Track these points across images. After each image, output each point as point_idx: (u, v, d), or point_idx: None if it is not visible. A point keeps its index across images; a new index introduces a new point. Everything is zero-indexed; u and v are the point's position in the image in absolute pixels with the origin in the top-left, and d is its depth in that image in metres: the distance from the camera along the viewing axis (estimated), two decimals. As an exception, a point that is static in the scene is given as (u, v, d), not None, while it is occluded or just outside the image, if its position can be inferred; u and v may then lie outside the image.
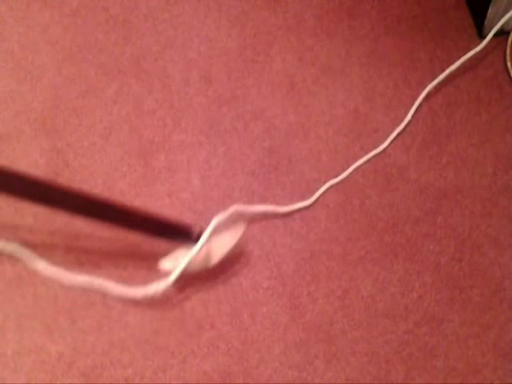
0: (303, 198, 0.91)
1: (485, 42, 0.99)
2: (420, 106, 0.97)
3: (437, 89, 0.99)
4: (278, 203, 0.91)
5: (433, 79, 0.98)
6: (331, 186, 0.92)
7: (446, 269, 0.87)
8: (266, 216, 0.90)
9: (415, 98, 0.97)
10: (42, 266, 0.85)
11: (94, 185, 0.92)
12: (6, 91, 0.98)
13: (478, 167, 0.94)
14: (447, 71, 0.98)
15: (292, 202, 0.91)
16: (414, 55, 1.01)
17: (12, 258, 0.87)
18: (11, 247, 0.86)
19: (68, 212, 0.74)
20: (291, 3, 1.06)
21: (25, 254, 0.86)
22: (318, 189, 0.91)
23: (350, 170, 0.93)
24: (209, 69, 1.00)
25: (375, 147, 0.94)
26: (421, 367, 0.82)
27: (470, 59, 0.99)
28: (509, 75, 0.99)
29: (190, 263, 0.80)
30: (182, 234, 0.82)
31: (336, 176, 0.92)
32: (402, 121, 0.96)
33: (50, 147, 0.94)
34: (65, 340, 0.83)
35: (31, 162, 0.93)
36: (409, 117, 0.96)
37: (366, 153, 0.94)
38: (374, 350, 0.83)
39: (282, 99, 0.98)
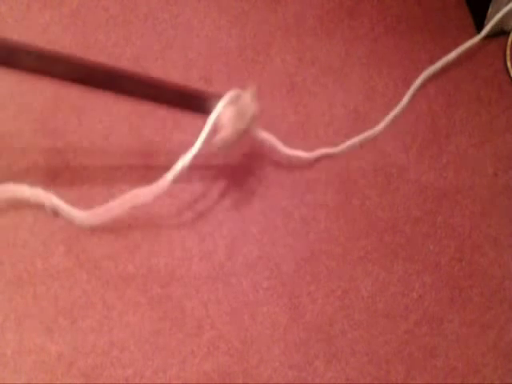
0: (303, 197, 0.91)
1: (482, 33, 0.99)
2: (419, 103, 0.97)
3: (437, 89, 0.99)
4: (278, 203, 0.91)
5: (432, 79, 0.98)
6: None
7: (446, 269, 0.87)
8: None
9: (414, 96, 0.98)
10: (82, 217, 0.85)
11: (94, 185, 0.92)
12: (6, 91, 0.98)
13: (478, 167, 0.94)
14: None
15: (292, 201, 0.91)
16: (414, 55, 1.01)
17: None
18: (50, 198, 0.86)
19: (86, 84, 0.73)
20: (291, 3, 1.06)
21: (64, 207, 0.85)
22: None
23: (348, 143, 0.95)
24: (209, 69, 1.00)
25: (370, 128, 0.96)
26: (421, 367, 0.82)
27: (469, 59, 0.99)
28: (509, 75, 0.99)
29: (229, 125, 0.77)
30: (201, 103, 0.79)
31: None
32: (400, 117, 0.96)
33: (50, 147, 0.94)
34: (65, 340, 0.83)
35: (31, 162, 0.93)
36: (405, 100, 0.97)
37: (366, 153, 0.94)
38: (373, 349, 0.83)
39: (281, 99, 0.98)
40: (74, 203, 0.90)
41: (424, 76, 0.98)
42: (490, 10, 0.98)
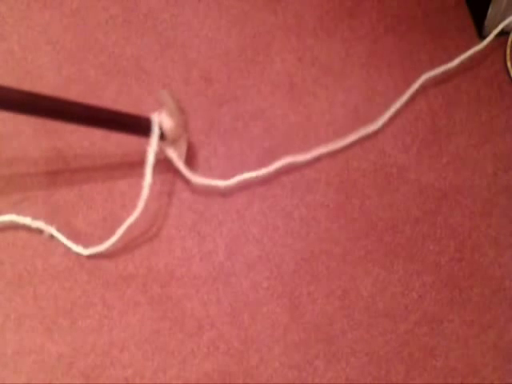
0: (303, 197, 0.91)
1: (485, 42, 0.99)
2: (419, 103, 0.97)
3: (437, 89, 0.99)
4: (278, 203, 0.91)
5: (432, 79, 0.98)
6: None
7: (446, 269, 0.87)
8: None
9: (414, 96, 0.97)
10: (80, 250, 0.87)
11: (94, 185, 0.92)
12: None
13: (478, 167, 0.94)
14: (447, 70, 0.98)
15: (292, 201, 0.91)
16: (414, 55, 1.01)
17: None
18: (50, 230, 0.88)
19: (28, 113, 0.77)
20: (291, 3, 1.06)
21: (63, 239, 0.87)
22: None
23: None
24: (209, 69, 1.00)
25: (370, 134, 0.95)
26: (421, 367, 0.82)
27: (469, 59, 0.99)
28: (509, 75, 0.99)
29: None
30: (141, 126, 0.85)
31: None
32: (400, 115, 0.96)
33: (50, 147, 0.94)
34: (65, 340, 0.83)
35: (31, 162, 0.93)
36: (405, 98, 0.97)
37: (366, 153, 0.94)
38: (373, 350, 0.83)
39: (282, 99, 0.98)
40: (73, 203, 0.91)
41: (423, 78, 0.97)
42: (490, 10, 0.98)
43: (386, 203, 0.91)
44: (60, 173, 0.93)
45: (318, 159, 0.94)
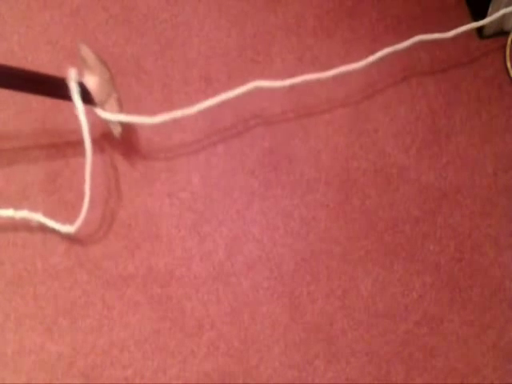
0: (303, 197, 0.91)
1: (486, 20, 0.98)
2: (419, 103, 0.97)
3: (436, 88, 0.99)
4: (278, 203, 0.91)
5: (432, 79, 0.98)
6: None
7: (446, 269, 0.87)
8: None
9: (414, 96, 0.97)
10: (68, 229, 0.86)
11: (94, 185, 0.92)
12: (6, 91, 0.98)
13: (478, 167, 0.94)
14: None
15: (292, 201, 0.91)
16: (414, 55, 1.01)
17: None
18: (36, 217, 0.87)
19: None
20: (291, 3, 1.06)
21: (50, 222, 0.87)
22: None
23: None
24: (209, 69, 1.00)
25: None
26: (421, 367, 0.82)
27: (469, 59, 0.99)
28: (509, 75, 0.99)
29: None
30: (60, 87, 0.82)
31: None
32: (400, 118, 0.96)
33: (49, 147, 0.94)
34: (65, 340, 0.83)
35: (31, 162, 0.93)
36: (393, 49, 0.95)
37: (366, 154, 0.94)
38: (373, 350, 0.83)
39: (281, 99, 0.98)
40: (74, 203, 0.91)
41: (417, 39, 0.96)
42: (489, 10, 0.98)
43: (386, 203, 0.91)
44: (60, 172, 0.93)
45: (319, 160, 0.94)
